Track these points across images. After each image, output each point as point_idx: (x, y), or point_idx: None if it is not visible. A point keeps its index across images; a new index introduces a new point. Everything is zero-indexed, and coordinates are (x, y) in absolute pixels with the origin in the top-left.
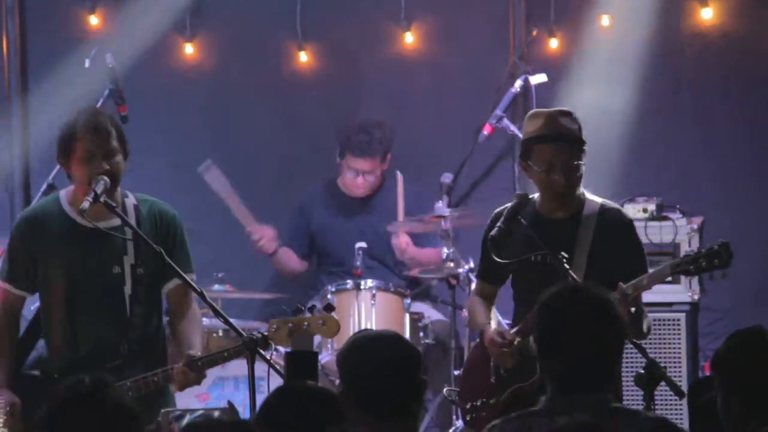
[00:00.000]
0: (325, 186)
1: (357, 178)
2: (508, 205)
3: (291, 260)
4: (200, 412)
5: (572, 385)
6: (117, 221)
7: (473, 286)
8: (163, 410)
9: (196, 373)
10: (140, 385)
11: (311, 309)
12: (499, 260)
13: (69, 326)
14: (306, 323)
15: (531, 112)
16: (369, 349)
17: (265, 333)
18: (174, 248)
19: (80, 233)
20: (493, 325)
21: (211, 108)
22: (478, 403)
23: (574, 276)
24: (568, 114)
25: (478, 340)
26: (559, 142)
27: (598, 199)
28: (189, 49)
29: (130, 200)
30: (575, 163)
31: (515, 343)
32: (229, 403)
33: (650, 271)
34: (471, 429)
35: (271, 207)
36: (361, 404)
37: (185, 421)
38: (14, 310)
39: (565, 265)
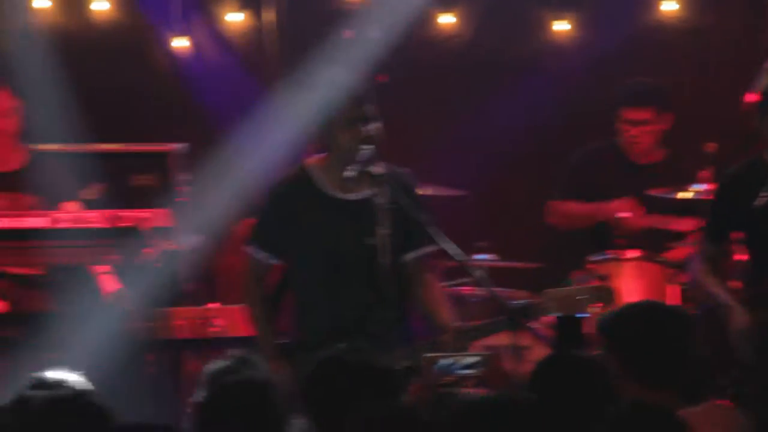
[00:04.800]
0: (606, 149)
1: (632, 129)
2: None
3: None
4: (456, 357)
5: None
6: (368, 191)
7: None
8: (424, 355)
9: (463, 343)
10: (411, 355)
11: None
12: None
13: (332, 296)
14: (579, 295)
15: None
16: (639, 318)
17: (532, 301)
18: (420, 217)
19: (333, 204)
20: None
21: (466, 77)
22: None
23: None
24: None
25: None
26: None
27: None
28: (445, 19)
29: (379, 170)
30: None
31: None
32: (493, 351)
33: None
34: None
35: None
36: (629, 371)
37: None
38: (264, 277)
39: None
